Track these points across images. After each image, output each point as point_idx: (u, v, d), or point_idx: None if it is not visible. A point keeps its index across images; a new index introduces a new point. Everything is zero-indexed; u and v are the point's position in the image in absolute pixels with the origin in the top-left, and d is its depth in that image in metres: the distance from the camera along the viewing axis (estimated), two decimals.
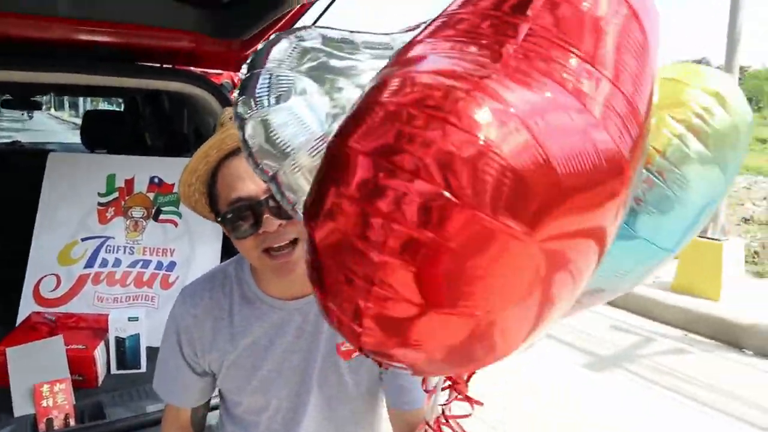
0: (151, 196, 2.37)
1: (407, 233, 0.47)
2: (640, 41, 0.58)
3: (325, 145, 0.65)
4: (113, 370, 2.05)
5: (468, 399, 0.86)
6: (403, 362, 0.60)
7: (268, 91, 0.78)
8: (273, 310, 1.22)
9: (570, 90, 0.51)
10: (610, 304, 5.59)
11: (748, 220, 9.20)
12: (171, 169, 2.41)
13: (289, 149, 0.76)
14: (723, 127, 0.73)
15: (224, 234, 2.32)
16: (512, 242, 0.48)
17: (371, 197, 0.49)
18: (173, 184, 2.38)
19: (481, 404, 0.83)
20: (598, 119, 0.52)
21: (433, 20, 0.59)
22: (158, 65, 2.20)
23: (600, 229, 0.54)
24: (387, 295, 0.50)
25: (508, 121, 0.48)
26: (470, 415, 0.89)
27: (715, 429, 3.40)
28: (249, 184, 1.06)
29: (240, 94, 0.79)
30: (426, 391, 0.91)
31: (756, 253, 6.70)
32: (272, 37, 0.84)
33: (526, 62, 0.51)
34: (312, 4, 1.78)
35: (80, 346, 1.97)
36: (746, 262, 6.27)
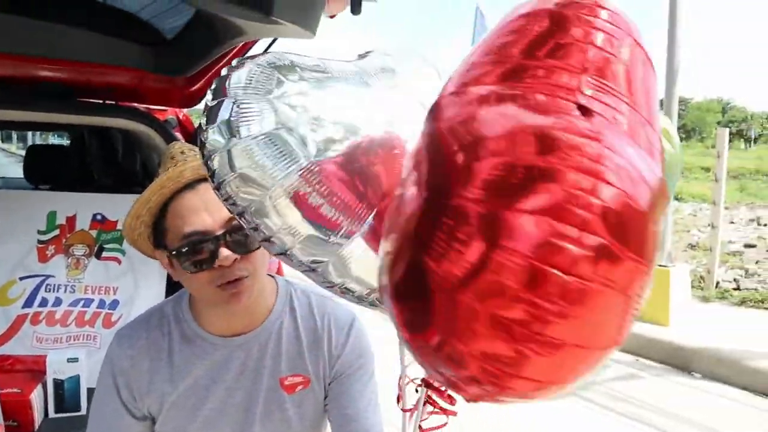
0: (94, 233, 2.32)
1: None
2: (653, 79, 0.65)
3: (317, 169, 0.67)
4: (51, 414, 1.97)
5: (443, 411, 0.86)
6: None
7: (239, 117, 0.77)
8: (215, 347, 1.19)
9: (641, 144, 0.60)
10: None
11: (694, 246, 9.53)
12: (115, 205, 2.36)
13: (275, 175, 0.75)
14: (670, 160, 0.76)
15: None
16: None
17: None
18: (116, 221, 2.33)
19: (455, 414, 0.84)
20: (655, 161, 0.61)
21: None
22: (101, 101, 2.18)
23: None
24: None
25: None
26: (446, 424, 0.88)
27: None
28: (205, 217, 1.06)
29: (208, 122, 0.78)
30: (404, 410, 0.91)
31: (702, 278, 6.92)
32: (234, 62, 0.83)
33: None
34: (255, 42, 1.80)
35: (15, 390, 1.89)
36: (693, 287, 6.47)
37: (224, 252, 1.04)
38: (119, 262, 2.29)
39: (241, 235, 1.06)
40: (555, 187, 0.53)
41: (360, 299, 0.86)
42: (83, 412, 1.97)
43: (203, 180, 1.06)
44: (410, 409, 0.90)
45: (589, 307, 0.55)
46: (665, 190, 0.60)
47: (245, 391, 1.20)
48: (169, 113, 2.41)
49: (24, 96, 2.04)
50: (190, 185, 1.08)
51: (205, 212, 1.06)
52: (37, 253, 2.28)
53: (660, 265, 5.58)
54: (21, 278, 2.24)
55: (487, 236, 0.54)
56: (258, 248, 1.08)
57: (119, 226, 2.32)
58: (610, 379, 4.55)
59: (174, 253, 1.08)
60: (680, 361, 4.84)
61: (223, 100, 0.78)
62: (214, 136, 0.76)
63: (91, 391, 1.95)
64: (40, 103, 2.05)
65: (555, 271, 0.52)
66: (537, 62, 0.60)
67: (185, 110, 2.43)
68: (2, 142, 40.94)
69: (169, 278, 2.23)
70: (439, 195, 0.58)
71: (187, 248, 1.06)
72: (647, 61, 0.65)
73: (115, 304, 2.22)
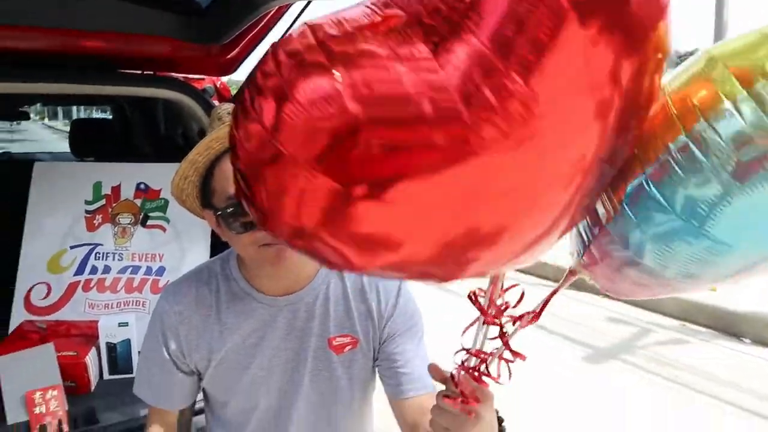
0: (138, 202, 2.38)
1: None
2: None
3: None
4: (105, 376, 2.06)
5: (514, 353, 0.86)
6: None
7: None
8: (262, 306, 1.21)
9: None
10: (607, 295, 5.56)
11: None
12: (157, 174, 2.42)
13: None
14: None
15: (213, 237, 2.31)
16: None
17: None
18: (159, 190, 2.39)
19: (524, 358, 0.86)
20: None
21: None
22: (139, 72, 2.21)
23: None
24: None
25: None
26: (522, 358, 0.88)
27: (715, 418, 3.40)
28: None
29: None
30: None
31: None
32: None
33: None
34: (289, 6, 1.79)
35: (72, 353, 1.97)
36: None
37: None
38: (164, 229, 2.34)
39: None
40: None
41: None
42: (134, 374, 2.04)
43: None
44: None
45: None
46: None
47: (293, 350, 1.21)
48: (207, 82, 2.43)
49: (66, 69, 2.09)
50: None
51: None
52: (85, 223, 2.35)
53: None
54: (71, 247, 2.32)
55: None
56: None
57: (162, 195, 2.37)
58: (656, 344, 4.48)
59: (220, 213, 1.09)
60: (728, 325, 4.73)
61: None
62: None
63: None
64: (81, 75, 2.09)
65: None
66: None
67: (222, 78, 2.44)
68: (48, 119, 42.10)
69: (213, 244, 2.28)
70: None
71: (232, 209, 1.06)
72: None
73: (161, 270, 2.29)
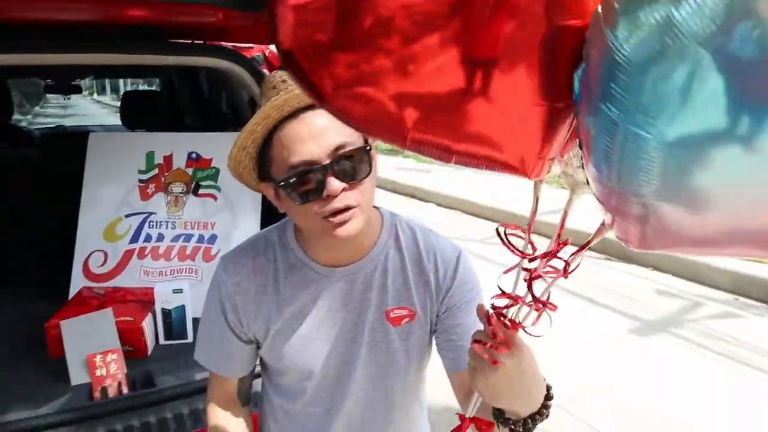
0: (190, 171, 2.42)
1: None
2: None
3: None
4: (161, 341, 2.12)
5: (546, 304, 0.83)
6: None
7: None
8: (320, 277, 1.19)
9: None
10: (656, 267, 5.48)
11: None
12: (208, 144, 2.44)
13: None
14: None
15: (263, 206, 2.32)
16: None
17: None
18: (210, 159, 2.42)
19: (555, 308, 0.82)
20: None
21: None
22: (189, 42, 2.21)
23: None
24: None
25: None
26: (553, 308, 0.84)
27: (766, 393, 3.32)
28: (311, 146, 1.03)
29: None
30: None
31: None
32: None
33: None
34: None
35: (129, 318, 2.03)
36: None
37: (332, 181, 1.02)
38: (215, 198, 2.38)
39: (349, 164, 1.04)
40: None
41: None
42: (189, 339, 2.10)
43: (308, 108, 1.04)
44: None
45: None
46: None
47: (350, 322, 1.20)
48: (255, 50, 2.42)
49: (118, 40, 2.11)
50: (294, 114, 1.04)
51: (311, 141, 1.03)
52: (139, 192, 2.41)
53: None
54: (126, 216, 2.38)
55: None
56: (366, 177, 1.07)
57: (214, 164, 2.40)
58: (707, 317, 4.38)
59: (281, 184, 1.06)
60: None
61: None
62: None
63: (195, 321, 2.08)
64: (133, 46, 2.11)
65: None
66: None
67: (271, 46, 2.43)
68: (97, 94, 43.13)
69: (264, 213, 2.31)
70: None
71: (294, 179, 1.04)
72: None
73: (213, 238, 2.33)
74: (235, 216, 2.34)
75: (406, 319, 1.21)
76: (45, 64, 2.90)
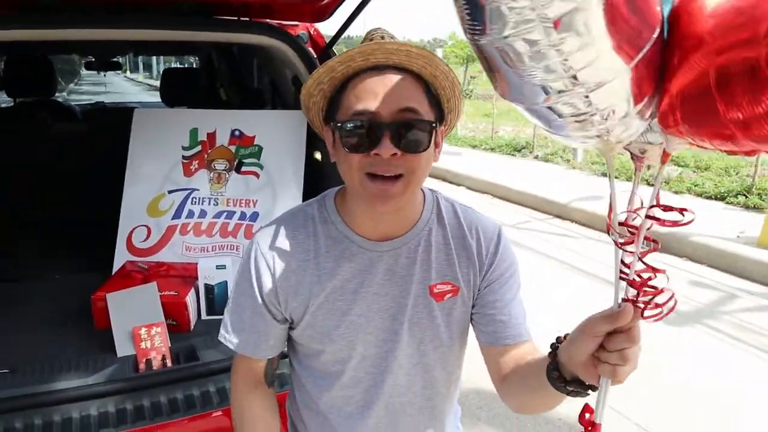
0: (233, 148, 2.42)
1: None
2: None
3: None
4: (203, 316, 2.15)
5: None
6: None
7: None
8: (362, 250, 1.16)
9: None
10: (690, 258, 5.38)
11: None
12: (250, 121, 2.45)
13: None
14: None
15: (305, 185, 2.30)
16: None
17: None
18: (253, 137, 2.42)
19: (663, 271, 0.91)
20: None
21: None
22: (235, 18, 2.21)
23: None
24: None
25: None
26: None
27: None
28: (380, 101, 1.02)
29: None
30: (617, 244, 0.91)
31: None
32: None
33: None
34: None
35: (173, 293, 2.06)
36: None
37: (386, 142, 1.00)
38: (257, 176, 2.38)
39: (411, 133, 1.03)
40: None
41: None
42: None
43: (393, 67, 1.04)
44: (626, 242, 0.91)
45: None
46: None
47: (392, 297, 1.18)
48: (300, 28, 2.41)
49: (162, 15, 2.11)
50: (378, 67, 1.04)
51: (382, 96, 1.02)
52: (182, 168, 2.42)
53: None
54: (169, 191, 2.40)
55: None
56: (422, 151, 1.05)
57: (256, 141, 2.40)
58: (740, 310, 4.30)
59: (338, 125, 1.05)
60: None
61: None
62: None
63: None
64: (178, 21, 2.11)
65: None
66: None
67: (316, 25, 2.42)
68: (130, 72, 43.54)
69: (305, 192, 2.31)
70: None
71: (352, 124, 1.03)
72: None
73: (255, 216, 2.34)
74: (277, 194, 2.34)
75: (449, 294, 1.20)
76: (90, 40, 2.92)
